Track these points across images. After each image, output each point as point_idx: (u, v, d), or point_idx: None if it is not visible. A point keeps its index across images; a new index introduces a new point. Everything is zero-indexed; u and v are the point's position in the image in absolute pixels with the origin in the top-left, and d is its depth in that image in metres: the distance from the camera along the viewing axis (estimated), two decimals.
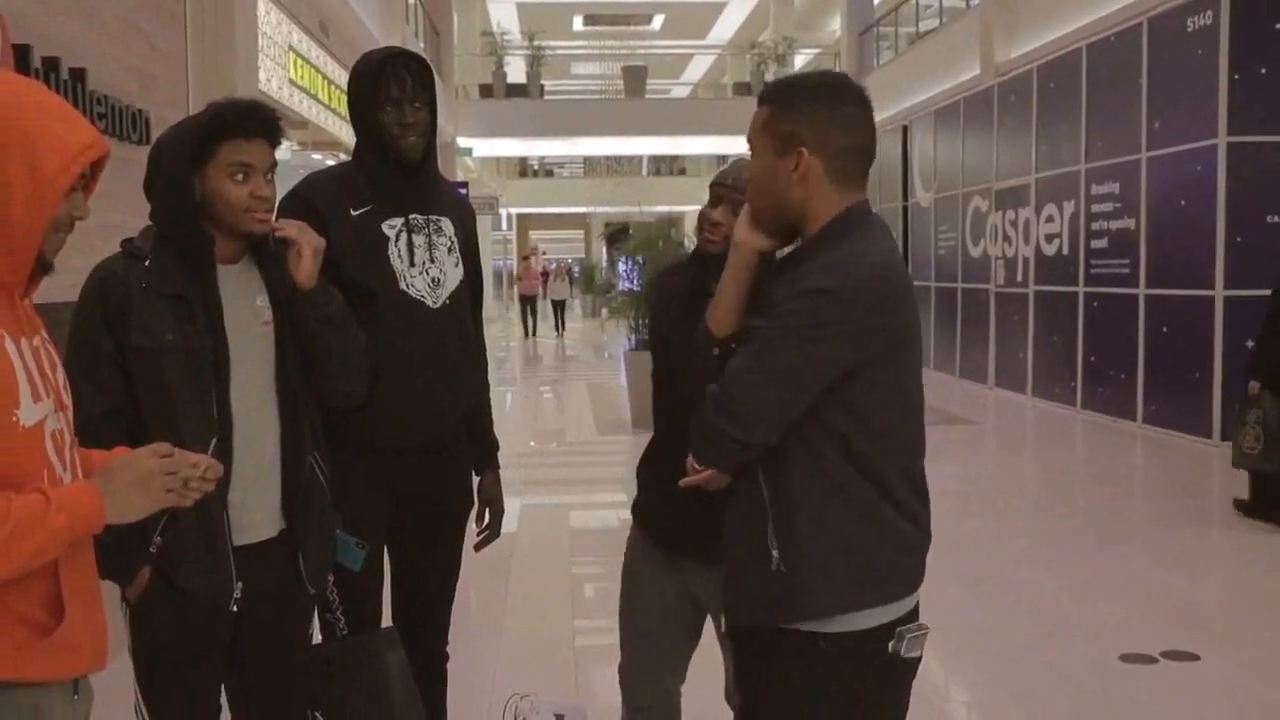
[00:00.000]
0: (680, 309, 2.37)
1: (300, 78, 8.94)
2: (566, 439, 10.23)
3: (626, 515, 2.64)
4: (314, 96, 9.46)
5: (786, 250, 1.88)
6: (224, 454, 2.03)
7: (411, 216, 2.52)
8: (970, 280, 13.52)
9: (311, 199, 2.45)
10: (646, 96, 23.07)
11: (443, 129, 15.26)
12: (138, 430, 2.00)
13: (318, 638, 2.47)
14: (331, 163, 5.73)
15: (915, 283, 2.08)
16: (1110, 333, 10.13)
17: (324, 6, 9.91)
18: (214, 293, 2.09)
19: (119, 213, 2.66)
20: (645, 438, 2.59)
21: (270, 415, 2.14)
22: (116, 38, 4.43)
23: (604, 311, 16.25)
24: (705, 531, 2.12)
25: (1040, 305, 11.55)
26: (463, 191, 9.01)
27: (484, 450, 2.76)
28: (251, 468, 2.11)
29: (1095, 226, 10.33)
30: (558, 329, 23.61)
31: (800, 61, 23.78)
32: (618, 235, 16.89)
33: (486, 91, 21.32)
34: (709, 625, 2.53)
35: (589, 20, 26.49)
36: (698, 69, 32.54)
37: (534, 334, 22.98)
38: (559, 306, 24.12)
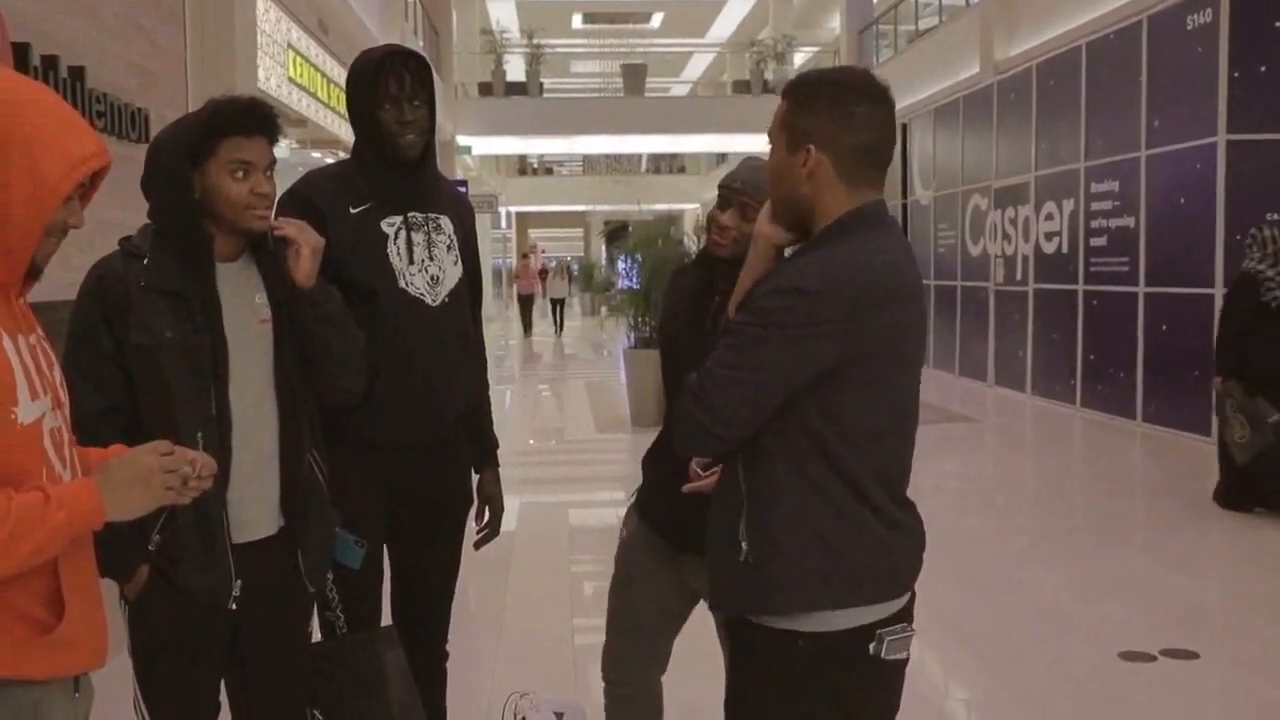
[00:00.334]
0: (687, 310, 2.38)
1: (299, 76, 8.95)
2: (566, 437, 10.22)
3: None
4: (313, 94, 9.47)
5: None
6: (223, 451, 2.03)
7: (410, 214, 2.51)
8: (970, 278, 13.52)
9: (310, 197, 2.45)
10: (646, 95, 23.06)
11: (442, 127, 15.35)
12: (135, 429, 2.00)
13: (317, 636, 2.47)
14: (330, 161, 5.72)
15: None
16: (1110, 331, 10.13)
17: (323, 4, 9.91)
18: (213, 290, 2.08)
19: (118, 209, 2.65)
20: (644, 435, 2.60)
21: (269, 413, 2.14)
22: (116, 35, 4.42)
23: (603, 310, 16.25)
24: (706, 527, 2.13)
25: (1040, 303, 11.55)
26: (462, 190, 9.00)
27: (483, 448, 2.76)
28: (250, 465, 2.10)
29: (1095, 225, 10.33)
30: (556, 328, 23.57)
31: (800, 60, 23.77)
32: (617, 233, 16.93)
33: (485, 90, 21.30)
34: (697, 611, 2.54)
35: (588, 18, 26.48)
36: (697, 67, 32.56)
37: (531, 332, 22.96)
38: (558, 305, 24.03)
